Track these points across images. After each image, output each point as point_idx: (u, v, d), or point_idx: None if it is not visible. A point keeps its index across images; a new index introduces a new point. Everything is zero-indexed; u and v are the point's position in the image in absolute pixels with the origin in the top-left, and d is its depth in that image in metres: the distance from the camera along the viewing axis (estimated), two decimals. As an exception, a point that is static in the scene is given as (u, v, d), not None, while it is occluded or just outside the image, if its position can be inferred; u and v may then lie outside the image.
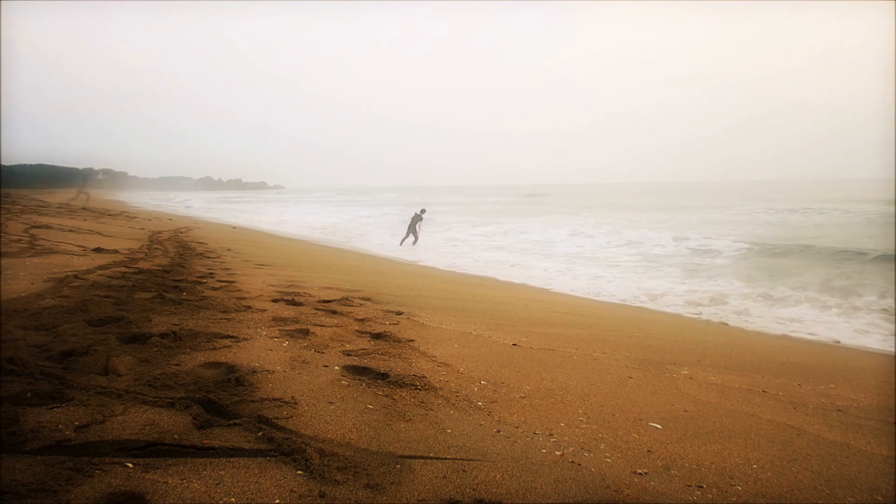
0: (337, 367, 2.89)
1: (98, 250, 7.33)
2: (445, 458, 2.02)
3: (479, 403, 2.62)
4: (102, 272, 5.36)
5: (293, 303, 4.56)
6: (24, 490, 1.52)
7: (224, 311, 3.93)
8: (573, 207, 37.11)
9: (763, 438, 2.49)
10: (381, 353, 3.23)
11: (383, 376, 2.80)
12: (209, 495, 1.63)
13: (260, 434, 2.00)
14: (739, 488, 2.01)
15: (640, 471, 2.08)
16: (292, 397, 2.40)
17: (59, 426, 1.89)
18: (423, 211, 17.33)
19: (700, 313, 6.78)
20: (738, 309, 7.25)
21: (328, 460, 1.88)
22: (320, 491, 1.70)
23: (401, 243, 16.64)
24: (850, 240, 16.07)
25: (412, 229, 16.78)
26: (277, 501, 1.64)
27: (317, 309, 4.40)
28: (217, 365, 2.76)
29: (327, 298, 4.92)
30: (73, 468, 1.65)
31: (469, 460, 2.02)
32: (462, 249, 15.40)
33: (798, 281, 9.61)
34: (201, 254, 8.29)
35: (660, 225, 22.13)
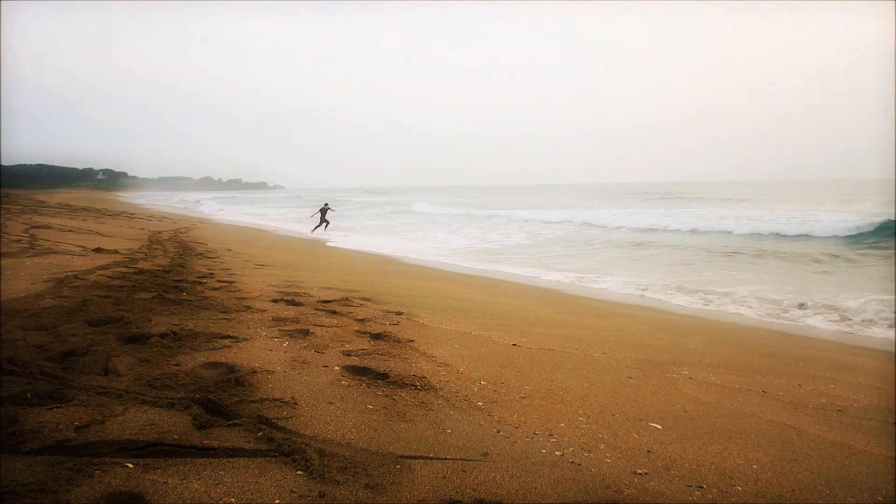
0: (337, 368, 2.89)
1: (98, 250, 7.34)
2: (445, 459, 2.02)
3: (479, 403, 2.62)
4: (102, 272, 5.37)
5: (293, 303, 4.56)
6: (24, 490, 1.52)
7: (224, 312, 3.93)
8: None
9: (763, 438, 2.49)
10: (381, 354, 3.23)
11: (383, 376, 2.80)
12: (209, 495, 1.63)
13: (260, 434, 2.00)
14: (739, 488, 2.01)
15: (640, 471, 2.08)
16: (292, 397, 2.40)
17: (59, 426, 1.89)
18: (326, 204, 19.31)
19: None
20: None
21: (328, 460, 1.88)
22: (320, 491, 1.70)
23: (312, 231, 18.32)
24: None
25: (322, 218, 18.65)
26: (277, 501, 1.64)
27: (317, 309, 4.40)
28: (217, 365, 2.76)
29: (327, 298, 4.92)
30: (73, 468, 1.65)
31: (469, 460, 2.02)
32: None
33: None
34: (201, 254, 8.30)
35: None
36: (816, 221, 17.39)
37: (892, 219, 15.81)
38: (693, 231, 18.68)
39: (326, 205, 19.15)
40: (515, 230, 20.71)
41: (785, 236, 16.32)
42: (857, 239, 14.99)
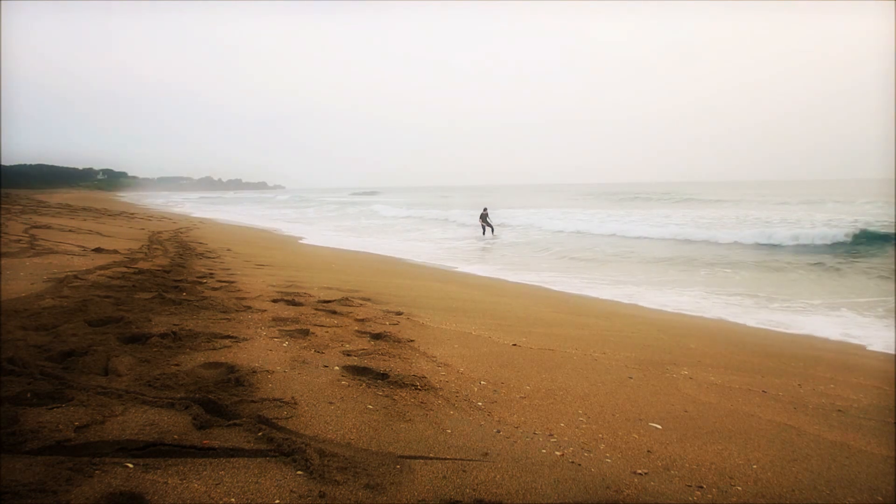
0: (337, 368, 2.89)
1: (98, 250, 7.34)
2: (445, 459, 2.02)
3: (479, 404, 2.62)
4: (102, 272, 5.36)
5: (293, 303, 4.56)
6: (24, 490, 1.52)
7: (224, 312, 3.93)
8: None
9: (763, 438, 2.49)
10: (381, 354, 3.24)
11: (383, 376, 2.80)
12: (209, 495, 1.63)
13: (260, 434, 2.00)
14: (739, 488, 2.01)
15: (640, 471, 2.08)
16: (292, 397, 2.40)
17: (59, 426, 1.89)
18: (485, 209, 19.17)
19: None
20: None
21: (328, 460, 1.88)
22: (320, 491, 1.70)
23: (483, 235, 18.15)
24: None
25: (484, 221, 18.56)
26: (277, 501, 1.64)
27: (317, 309, 4.40)
28: (217, 365, 2.76)
29: (327, 298, 4.92)
30: (73, 468, 1.65)
31: (469, 460, 2.02)
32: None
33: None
34: (201, 254, 8.30)
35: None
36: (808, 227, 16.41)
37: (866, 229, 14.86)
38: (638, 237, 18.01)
39: (486, 209, 18.92)
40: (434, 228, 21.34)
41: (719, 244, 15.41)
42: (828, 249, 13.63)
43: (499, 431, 2.32)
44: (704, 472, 2.12)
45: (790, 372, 3.77)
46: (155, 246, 9.14)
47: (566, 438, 2.32)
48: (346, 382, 2.69)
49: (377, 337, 3.64)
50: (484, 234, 18.37)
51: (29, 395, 2.13)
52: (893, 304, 7.37)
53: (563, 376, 3.18)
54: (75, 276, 4.90)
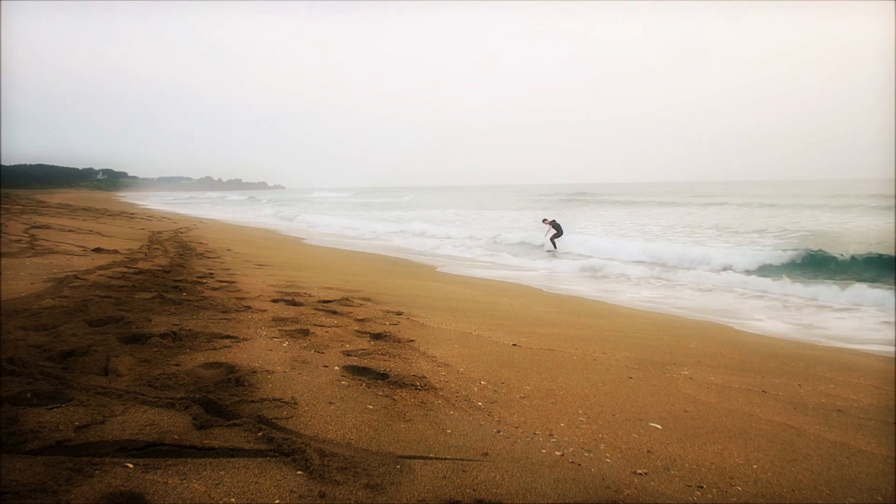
0: (337, 368, 2.89)
1: (98, 250, 7.34)
2: (445, 459, 2.02)
3: (479, 404, 2.62)
4: (102, 272, 5.37)
5: (293, 303, 4.56)
6: (24, 490, 1.52)
7: (224, 312, 3.93)
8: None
9: (763, 439, 2.49)
10: (381, 354, 3.24)
11: (383, 376, 2.80)
12: (209, 495, 1.63)
13: (260, 434, 2.00)
14: (739, 488, 2.01)
15: (640, 471, 2.08)
16: (292, 397, 2.40)
17: (59, 426, 1.89)
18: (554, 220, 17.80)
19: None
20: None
21: (328, 460, 1.88)
22: (320, 491, 1.70)
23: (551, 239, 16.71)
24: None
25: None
26: (277, 501, 1.64)
27: (317, 309, 4.40)
28: (217, 365, 2.76)
29: (327, 298, 4.92)
30: (73, 468, 1.65)
31: (469, 460, 2.02)
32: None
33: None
34: (201, 254, 8.30)
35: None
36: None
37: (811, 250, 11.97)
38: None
39: (554, 220, 18.08)
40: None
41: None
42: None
43: (499, 431, 2.32)
44: (704, 472, 2.12)
45: (790, 372, 3.77)
46: (155, 246, 9.14)
47: (566, 438, 2.32)
48: (346, 382, 2.69)
49: (377, 337, 3.64)
50: (553, 239, 16.72)
51: (29, 395, 2.13)
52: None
53: (563, 376, 3.18)
54: (75, 276, 4.90)
